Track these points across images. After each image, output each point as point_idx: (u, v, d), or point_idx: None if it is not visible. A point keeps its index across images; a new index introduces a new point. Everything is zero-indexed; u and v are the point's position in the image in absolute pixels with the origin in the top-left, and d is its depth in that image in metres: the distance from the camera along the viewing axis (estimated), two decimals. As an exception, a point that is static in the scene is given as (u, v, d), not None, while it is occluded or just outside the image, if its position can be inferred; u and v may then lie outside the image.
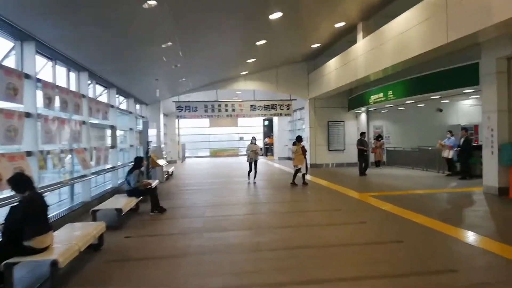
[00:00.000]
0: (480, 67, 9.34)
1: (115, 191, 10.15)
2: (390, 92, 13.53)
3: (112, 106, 10.75)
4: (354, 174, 14.00)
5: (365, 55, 11.55)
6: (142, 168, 8.72)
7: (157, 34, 8.03)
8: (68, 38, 6.83)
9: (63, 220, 6.99)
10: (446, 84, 10.81)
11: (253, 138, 13.08)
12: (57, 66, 7.50)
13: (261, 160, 12.92)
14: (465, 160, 11.82)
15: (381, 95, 14.18)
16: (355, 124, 18.13)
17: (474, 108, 17.16)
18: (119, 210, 6.74)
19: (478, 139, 15.97)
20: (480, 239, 5.30)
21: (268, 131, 29.12)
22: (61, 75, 8.06)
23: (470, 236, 5.47)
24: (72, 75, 8.39)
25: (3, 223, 3.99)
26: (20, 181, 4.12)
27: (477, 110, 17.09)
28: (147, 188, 8.19)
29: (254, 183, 12.46)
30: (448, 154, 12.73)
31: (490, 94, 8.96)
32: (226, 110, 18.24)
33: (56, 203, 8.17)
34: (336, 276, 4.20)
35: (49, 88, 6.53)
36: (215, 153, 31.65)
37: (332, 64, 14.61)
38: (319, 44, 14.46)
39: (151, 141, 13.25)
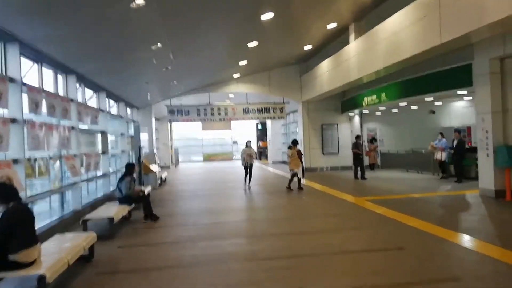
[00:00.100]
0: (473, 68, 9.32)
1: (107, 198, 9.91)
2: (383, 94, 13.49)
3: (102, 111, 10.53)
4: (349, 178, 13.91)
5: (358, 57, 11.49)
6: (134, 175, 8.50)
7: (147, 36, 7.85)
8: (54, 40, 6.61)
9: (52, 230, 6.76)
10: (439, 85, 10.79)
11: (248, 141, 12.88)
12: (43, 69, 7.29)
13: (255, 164, 12.68)
14: (459, 163, 11.77)
15: (374, 97, 14.14)
16: (349, 127, 18.08)
17: (467, 110, 17.23)
18: (110, 219, 6.53)
19: (471, 141, 16.05)
20: (481, 245, 5.19)
21: (262, 134, 29.00)
22: (48, 79, 7.85)
23: (471, 242, 5.36)
24: (60, 78, 8.17)
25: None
26: (4, 191, 3.92)
27: (469, 111, 17.15)
28: (140, 196, 7.99)
29: (249, 188, 12.26)
30: (441, 156, 12.68)
31: (483, 95, 8.93)
32: (219, 114, 18.10)
33: (46, 212, 7.94)
34: (337, 286, 4.05)
35: (35, 92, 6.31)
36: (208, 158, 31.44)
37: (325, 66, 14.54)
38: (311, 46, 14.40)
39: (143, 146, 13.01)
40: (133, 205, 7.97)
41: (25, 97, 6.04)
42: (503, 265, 4.42)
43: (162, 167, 21.40)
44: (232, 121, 25.85)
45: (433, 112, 17.31)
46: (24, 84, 6.07)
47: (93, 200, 9.61)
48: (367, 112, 17.19)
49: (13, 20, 5.47)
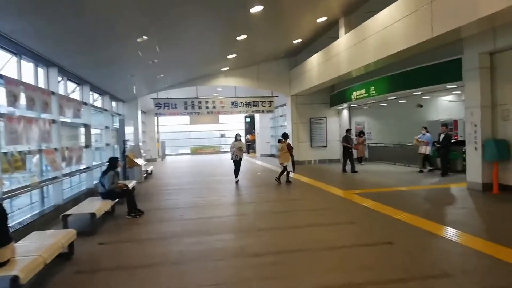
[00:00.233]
0: (462, 62, 9.27)
1: (90, 192, 9.64)
2: (372, 88, 13.44)
3: (85, 104, 10.20)
4: (337, 171, 13.87)
5: (348, 51, 11.37)
6: (118, 169, 8.25)
7: (132, 27, 7.57)
8: (32, 31, 6.29)
9: (32, 226, 6.53)
10: (428, 80, 10.76)
11: (238, 134, 12.53)
12: (23, 62, 6.96)
13: (244, 157, 12.42)
14: (445, 156, 11.81)
15: (363, 91, 14.09)
16: (337, 121, 18.07)
17: (454, 104, 17.33)
18: (92, 215, 6.29)
19: (458, 135, 16.18)
20: (469, 238, 5.14)
21: (250, 128, 28.85)
22: (29, 72, 7.51)
23: (459, 235, 5.31)
24: (41, 71, 7.84)
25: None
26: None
27: (456, 105, 17.27)
28: (123, 190, 7.74)
29: (237, 181, 12.04)
30: (425, 150, 12.72)
31: (473, 89, 8.91)
32: (207, 107, 17.84)
33: (26, 207, 7.64)
34: (325, 283, 3.93)
35: (13, 85, 6.00)
36: (196, 151, 31.16)
37: (314, 60, 14.41)
38: (300, 40, 14.23)
39: (128, 140, 12.70)
40: (117, 200, 7.73)
41: (2, 90, 5.75)
42: (491, 259, 4.38)
43: (148, 161, 21.10)
44: (220, 115, 25.60)
45: (421, 106, 17.36)
46: (1, 77, 5.77)
47: (75, 195, 9.32)
48: (356, 105, 17.15)
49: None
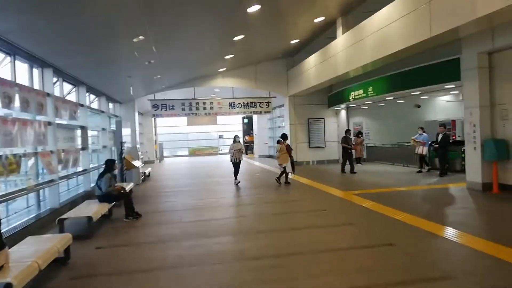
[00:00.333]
0: (461, 62, 9.25)
1: (87, 195, 9.54)
2: (370, 89, 13.40)
3: (81, 105, 10.10)
4: (336, 172, 13.81)
5: (345, 51, 11.33)
6: (115, 171, 8.16)
7: (128, 27, 7.48)
8: (27, 31, 6.19)
9: (28, 230, 6.44)
10: (427, 80, 10.72)
11: (236, 136, 12.31)
12: (17, 62, 6.87)
13: (243, 159, 12.28)
14: (444, 157, 11.75)
15: (361, 91, 14.04)
16: (335, 121, 18.03)
17: (451, 104, 17.32)
18: (89, 218, 6.20)
19: (456, 135, 16.15)
20: (472, 239, 5.09)
21: (248, 129, 28.78)
22: (23, 72, 7.42)
23: (460, 236, 5.25)
24: (36, 72, 7.74)
25: None
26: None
27: (454, 105, 17.25)
28: (120, 193, 7.65)
29: (238, 183, 11.80)
30: (422, 150, 12.67)
31: (471, 89, 8.88)
32: (204, 108, 17.75)
33: (22, 211, 7.55)
34: (325, 287, 3.86)
35: (7, 86, 5.90)
36: (194, 152, 31.04)
37: (312, 60, 14.36)
38: (298, 40, 14.19)
39: (125, 142, 12.60)
40: (114, 203, 7.64)
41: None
42: (492, 259, 4.34)
43: (146, 162, 20.98)
44: (218, 116, 25.51)
45: (419, 106, 17.32)
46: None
47: (72, 198, 9.22)
48: (354, 106, 17.11)
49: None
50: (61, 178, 8.37)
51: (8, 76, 6.41)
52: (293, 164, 11.42)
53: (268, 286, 3.96)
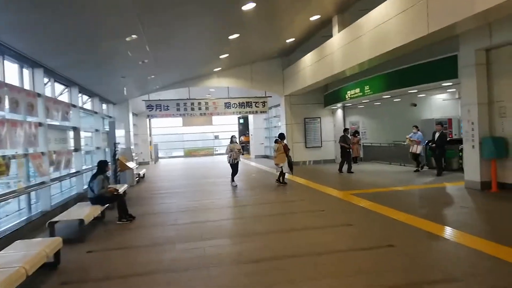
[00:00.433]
0: (458, 59, 9.16)
1: (80, 197, 9.36)
2: (367, 87, 13.30)
3: (74, 106, 9.91)
4: (333, 172, 13.70)
5: (342, 49, 11.21)
6: (108, 173, 7.98)
7: (120, 26, 7.30)
8: (16, 30, 6.02)
9: (18, 234, 6.26)
10: (424, 77, 10.61)
11: (233, 136, 11.99)
12: (7, 62, 6.68)
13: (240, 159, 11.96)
14: (441, 156, 11.65)
15: (357, 90, 13.94)
16: (332, 121, 17.92)
17: (448, 102, 17.29)
18: (80, 221, 6.03)
19: (452, 133, 16.12)
20: (473, 239, 4.98)
21: (244, 129, 28.64)
22: (13, 72, 7.23)
23: (461, 236, 5.15)
24: (26, 72, 7.55)
25: None
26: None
27: (450, 104, 17.23)
28: (114, 195, 7.48)
29: (236, 185, 11.46)
30: (416, 149, 12.58)
31: (469, 86, 8.79)
32: (200, 109, 17.58)
33: (13, 214, 7.36)
34: (326, 290, 3.74)
35: (-5, 86, 5.73)
36: (189, 153, 30.84)
37: (308, 59, 14.25)
38: (293, 39, 14.06)
39: (118, 143, 12.41)
40: (107, 205, 7.46)
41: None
42: (493, 260, 4.25)
43: (141, 164, 20.79)
44: (213, 116, 25.33)
45: (415, 105, 17.28)
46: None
47: (64, 200, 9.04)
48: (350, 105, 17.01)
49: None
50: (53, 180, 8.19)
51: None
52: (291, 164, 11.25)
53: (266, 290, 3.82)
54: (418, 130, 12.79)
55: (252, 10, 8.76)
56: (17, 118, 6.57)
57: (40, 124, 7.48)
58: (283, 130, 17.41)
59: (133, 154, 14.88)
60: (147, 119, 22.67)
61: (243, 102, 18.05)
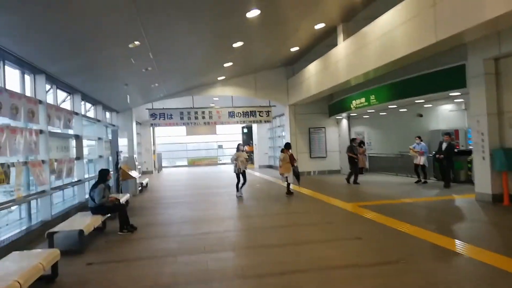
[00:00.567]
0: (466, 69, 9.00)
1: (82, 207, 9.19)
2: (372, 97, 13.14)
3: (76, 114, 9.80)
4: (339, 182, 13.47)
5: (347, 58, 11.10)
6: (109, 182, 7.82)
7: (123, 32, 7.21)
8: (16, 35, 5.92)
9: (16, 244, 6.11)
10: (431, 87, 10.44)
11: (240, 144, 11.72)
12: (7, 68, 6.59)
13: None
14: (449, 166, 11.39)
15: (363, 100, 13.78)
16: (337, 131, 17.73)
17: (454, 113, 17.12)
18: (80, 232, 5.85)
19: (459, 144, 15.90)
20: (490, 255, 4.74)
21: (248, 138, 28.48)
22: (14, 79, 7.14)
23: (479, 252, 4.89)
24: (27, 78, 7.46)
25: None
26: None
27: (457, 114, 17.08)
28: (115, 204, 7.30)
29: (240, 196, 11.08)
30: (420, 160, 12.33)
31: (478, 97, 8.61)
32: (203, 118, 17.47)
33: (14, 223, 7.20)
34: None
35: (-5, 92, 5.62)
36: (193, 162, 30.69)
37: (312, 68, 14.15)
38: (298, 48, 13.98)
39: (121, 151, 12.27)
40: (108, 215, 7.28)
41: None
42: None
43: (144, 173, 20.65)
44: (217, 125, 25.25)
45: (421, 115, 17.12)
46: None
47: (65, 210, 8.87)
48: (355, 115, 16.84)
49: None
50: (54, 188, 8.04)
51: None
52: (297, 175, 11.03)
53: (272, 308, 3.61)
54: (421, 141, 12.56)
55: (256, 17, 8.68)
56: (18, 125, 6.45)
57: (41, 132, 7.36)
58: (287, 139, 17.23)
59: (136, 163, 14.73)
60: (151, 128, 22.58)
61: (247, 111, 17.94)
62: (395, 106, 13.76)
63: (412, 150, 12.58)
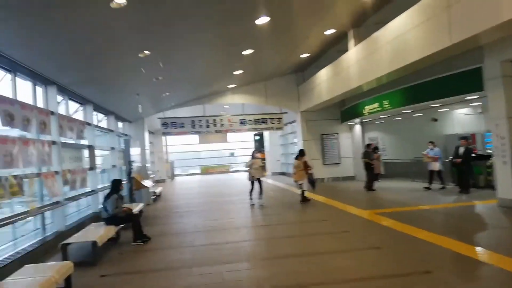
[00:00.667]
0: (483, 71, 8.76)
1: (96, 217, 9.17)
2: (386, 102, 12.92)
3: (88, 124, 9.85)
4: (353, 189, 13.24)
5: (359, 63, 10.96)
6: (122, 192, 7.78)
7: (133, 43, 7.21)
8: (28, 46, 5.97)
9: (31, 256, 6.09)
10: (446, 91, 10.19)
11: (255, 152, 11.59)
12: (20, 80, 6.63)
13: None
14: (467, 172, 11.05)
15: (376, 105, 13.57)
16: (350, 136, 17.51)
17: (470, 117, 16.71)
18: (93, 243, 5.80)
19: (476, 148, 15.48)
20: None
21: (259, 146, 28.39)
22: (27, 90, 7.19)
23: (507, 262, 4.65)
24: (39, 90, 7.51)
25: None
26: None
27: (473, 118, 16.66)
28: (128, 215, 7.25)
29: (254, 204, 10.91)
30: (435, 166, 12.01)
31: (497, 100, 8.35)
32: (215, 126, 17.44)
33: (29, 234, 7.20)
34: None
35: (7, 104, 5.63)
36: (206, 170, 30.69)
37: (323, 74, 14.02)
38: (308, 54, 13.89)
39: (133, 161, 12.28)
40: (121, 225, 7.23)
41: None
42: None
43: (157, 182, 20.67)
44: (228, 133, 25.23)
45: (436, 120, 16.76)
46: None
47: (79, 220, 8.87)
48: (368, 120, 16.61)
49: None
50: (67, 199, 8.04)
51: (9, 94, 6.17)
52: (313, 181, 10.86)
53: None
54: (435, 146, 12.25)
55: (266, 24, 8.62)
56: (30, 137, 6.47)
57: (53, 143, 7.38)
58: (299, 146, 17.07)
59: (149, 172, 14.74)
60: (163, 137, 22.68)
61: (258, 119, 17.87)
62: (409, 111, 13.50)
63: (426, 156, 12.29)
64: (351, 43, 11.76)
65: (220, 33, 8.78)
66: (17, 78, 6.46)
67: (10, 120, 5.64)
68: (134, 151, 13.98)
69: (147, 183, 12.89)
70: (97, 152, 10.54)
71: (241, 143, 30.26)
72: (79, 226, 8.10)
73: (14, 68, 6.31)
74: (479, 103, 12.75)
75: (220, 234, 7.59)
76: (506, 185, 8.15)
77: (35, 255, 6.24)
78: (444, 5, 7.02)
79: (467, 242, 5.61)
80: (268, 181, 19.66)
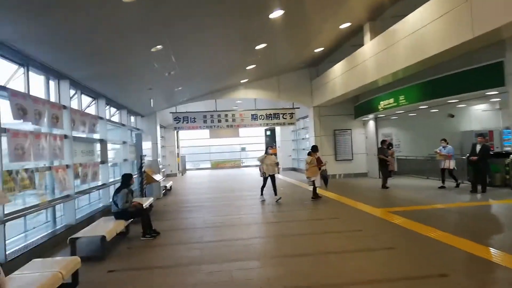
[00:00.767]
0: (505, 66, 8.43)
1: (106, 211, 9.18)
2: (401, 97, 12.61)
3: (101, 118, 9.84)
4: (366, 186, 13.01)
5: (375, 58, 10.68)
6: (133, 187, 7.74)
7: (146, 37, 7.11)
8: (40, 40, 5.92)
9: (41, 249, 6.11)
10: (466, 86, 9.86)
11: (269, 147, 11.47)
12: (33, 74, 6.61)
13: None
14: (484, 170, 10.68)
15: (391, 100, 13.26)
16: (363, 132, 17.21)
17: (488, 113, 16.25)
18: (102, 237, 5.76)
19: (493, 146, 15.04)
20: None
21: (271, 141, 28.21)
22: (39, 84, 7.19)
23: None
24: (52, 84, 7.49)
25: None
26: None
27: (491, 114, 16.19)
28: (138, 209, 7.21)
29: (277, 201, 10.66)
30: (449, 164, 11.68)
31: (518, 95, 8.05)
32: (226, 121, 17.36)
33: (40, 226, 7.25)
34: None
35: (19, 98, 5.61)
36: (216, 165, 30.71)
37: (338, 69, 13.75)
38: (322, 48, 13.63)
39: (145, 155, 12.27)
40: (131, 220, 7.20)
41: (6, 103, 5.36)
42: None
43: (168, 176, 20.73)
44: (240, 128, 25.13)
45: (452, 116, 16.35)
46: (4, 89, 5.39)
47: (90, 214, 8.88)
48: (382, 116, 16.27)
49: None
50: (78, 193, 8.04)
51: (22, 88, 6.15)
52: (325, 178, 10.68)
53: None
54: (448, 144, 11.92)
55: (280, 18, 8.43)
56: (43, 131, 6.46)
57: (65, 137, 7.37)
58: (311, 142, 16.88)
59: (160, 166, 14.74)
60: (175, 131, 22.71)
61: (270, 114, 17.71)
62: (425, 107, 13.15)
63: (438, 154, 11.98)
64: (366, 37, 11.48)
65: (234, 27, 8.63)
66: (30, 73, 6.44)
67: (22, 114, 5.63)
68: (146, 145, 13.96)
69: (158, 177, 12.88)
70: (109, 146, 10.54)
71: (252, 138, 30.14)
72: (90, 219, 8.12)
73: (27, 62, 6.29)
74: (498, 99, 12.37)
75: (230, 231, 7.50)
76: (527, 185, 7.86)
77: (44, 248, 6.25)
78: (466, -3, 6.73)
79: (483, 244, 5.40)
80: (279, 176, 19.50)
